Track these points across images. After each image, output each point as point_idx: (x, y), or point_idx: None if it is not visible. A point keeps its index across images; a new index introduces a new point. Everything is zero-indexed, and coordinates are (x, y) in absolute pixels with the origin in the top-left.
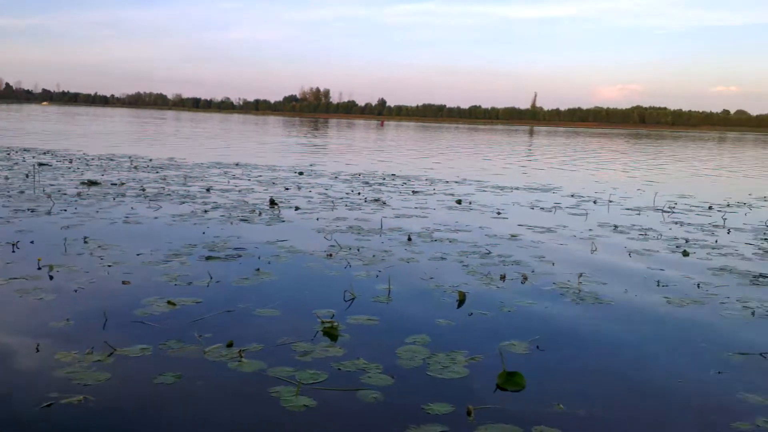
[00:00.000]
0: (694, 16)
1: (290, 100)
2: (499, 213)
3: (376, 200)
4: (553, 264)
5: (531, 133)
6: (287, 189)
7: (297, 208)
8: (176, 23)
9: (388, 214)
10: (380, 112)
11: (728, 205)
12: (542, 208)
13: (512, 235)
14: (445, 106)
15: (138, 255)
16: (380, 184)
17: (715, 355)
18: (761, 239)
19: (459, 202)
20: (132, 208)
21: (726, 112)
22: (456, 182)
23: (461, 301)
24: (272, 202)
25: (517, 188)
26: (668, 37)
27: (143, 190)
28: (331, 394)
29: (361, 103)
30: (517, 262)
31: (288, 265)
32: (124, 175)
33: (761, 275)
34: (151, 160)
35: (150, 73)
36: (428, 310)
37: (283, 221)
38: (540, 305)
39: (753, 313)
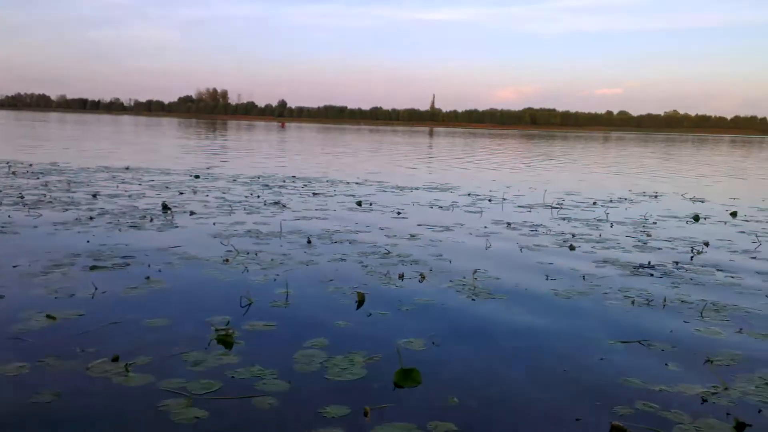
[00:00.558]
0: (581, 22)
1: (186, 101)
2: (399, 213)
3: (276, 203)
4: (450, 261)
5: (431, 134)
6: (182, 193)
7: (192, 213)
8: (60, 19)
9: (288, 216)
10: (281, 114)
11: (611, 201)
12: (441, 207)
13: (412, 235)
14: (346, 107)
15: (14, 267)
16: (280, 186)
17: (599, 342)
18: (640, 232)
19: (359, 203)
20: (9, 216)
21: (609, 113)
22: (357, 183)
23: (360, 302)
24: (165, 207)
25: (417, 188)
26: (556, 41)
27: (21, 197)
28: (225, 404)
29: (260, 104)
30: (415, 261)
31: (181, 272)
32: (1, 182)
33: (640, 266)
34: (31, 165)
35: (30, 72)
36: (327, 313)
37: (177, 227)
38: (437, 302)
39: (633, 302)
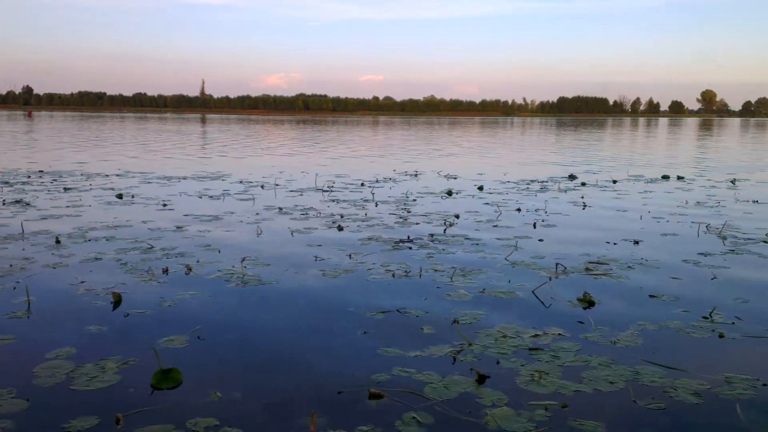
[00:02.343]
0: (343, 9)
1: None
2: (164, 205)
3: (18, 202)
4: (219, 251)
5: (203, 121)
6: None
7: None
8: None
9: (32, 216)
10: (27, 102)
11: (377, 181)
12: (211, 197)
13: (178, 227)
14: (105, 93)
15: None
16: (24, 183)
17: (361, 317)
18: (402, 209)
19: (120, 196)
20: None
21: (376, 98)
22: (118, 175)
23: (116, 303)
24: None
25: (185, 178)
26: (322, 29)
27: None
28: None
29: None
30: (181, 253)
31: None
32: None
33: (401, 241)
34: None
35: None
36: (76, 319)
37: None
38: (203, 295)
39: (393, 275)
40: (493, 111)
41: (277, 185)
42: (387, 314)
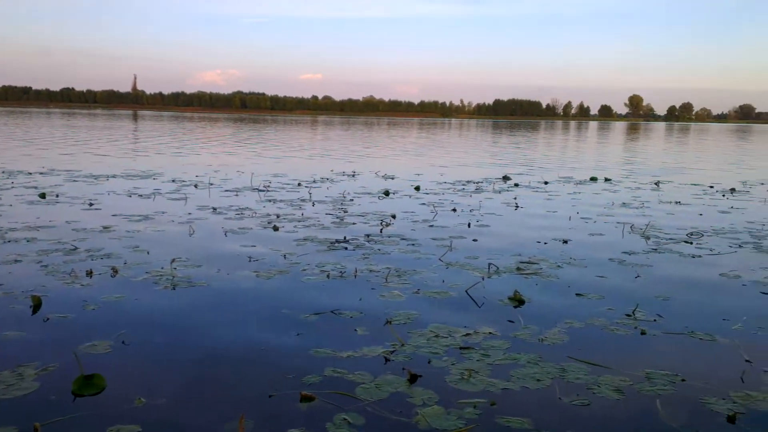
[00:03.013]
0: (279, 5)
1: None
2: (91, 204)
3: None
4: (148, 252)
5: (135, 117)
6: None
7: None
8: None
9: None
10: None
11: (314, 181)
12: (141, 196)
13: (105, 227)
14: (31, 88)
15: None
16: None
17: (295, 318)
18: (339, 209)
19: (43, 195)
20: None
21: (315, 97)
22: (42, 174)
23: (36, 307)
24: None
25: (114, 176)
26: (258, 26)
27: None
28: None
29: None
30: (108, 255)
31: None
32: None
33: (337, 241)
34: None
35: None
36: None
37: None
38: (130, 297)
39: (328, 276)
40: (431, 112)
41: (211, 184)
42: (321, 315)
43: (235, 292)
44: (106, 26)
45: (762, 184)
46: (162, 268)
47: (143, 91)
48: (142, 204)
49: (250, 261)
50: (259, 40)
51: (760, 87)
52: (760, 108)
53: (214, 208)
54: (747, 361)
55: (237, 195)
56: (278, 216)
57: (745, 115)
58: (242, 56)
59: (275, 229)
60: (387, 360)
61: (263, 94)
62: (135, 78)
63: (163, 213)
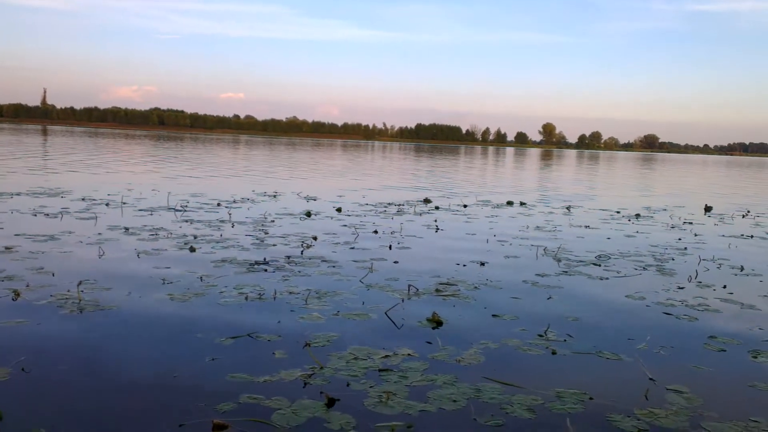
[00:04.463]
0: (199, 22)
1: None
2: None
3: None
4: (54, 274)
5: (45, 132)
6: None
7: None
8: None
9: None
10: None
11: (234, 201)
12: (47, 215)
13: (6, 248)
14: None
15: None
16: None
17: (210, 342)
18: (259, 230)
19: None
20: None
21: (237, 116)
22: None
23: None
24: None
25: (19, 194)
26: (178, 42)
27: None
28: None
29: None
30: (9, 277)
31: None
32: None
33: (256, 263)
34: None
35: None
36: None
37: None
38: (32, 322)
39: (246, 298)
40: (355, 134)
41: (124, 203)
42: (237, 339)
43: (147, 316)
44: (11, 37)
45: (664, 209)
46: (68, 291)
47: (53, 106)
48: (49, 223)
49: (164, 283)
50: (178, 56)
51: (662, 118)
52: (663, 138)
53: (127, 228)
54: (651, 379)
55: (152, 215)
56: (195, 237)
57: (649, 144)
58: (160, 72)
59: (192, 250)
60: (305, 384)
61: (182, 111)
62: (45, 92)
63: (71, 233)
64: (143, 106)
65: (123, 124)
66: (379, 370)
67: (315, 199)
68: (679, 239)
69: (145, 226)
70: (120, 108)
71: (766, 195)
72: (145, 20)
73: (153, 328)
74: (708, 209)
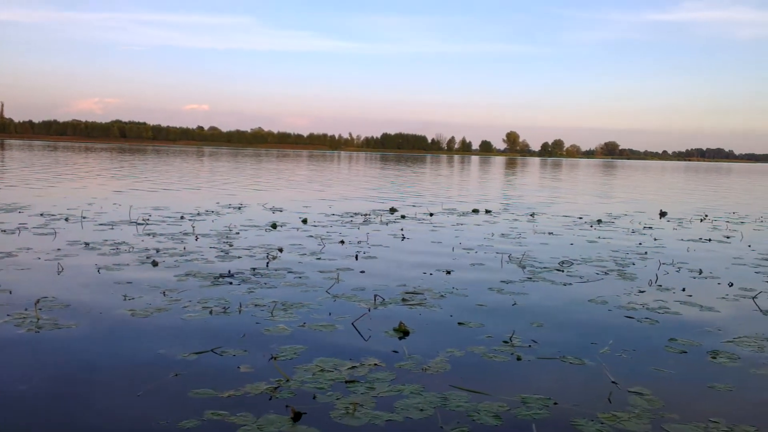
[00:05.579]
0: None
1: None
2: None
3: None
4: (11, 292)
5: (2, 146)
6: None
7: None
8: None
9: None
10: None
11: (198, 214)
12: (4, 231)
13: None
14: None
15: None
16: None
17: (173, 358)
18: (224, 242)
19: None
20: None
21: (201, 128)
22: None
23: None
24: None
25: None
26: (140, 54)
27: None
28: None
29: None
30: None
31: None
32: None
33: (221, 275)
34: None
35: None
36: None
37: None
38: None
39: (211, 312)
40: (321, 145)
41: (84, 218)
42: (201, 354)
43: (108, 333)
44: None
45: (625, 215)
46: (26, 309)
47: (11, 119)
48: (5, 240)
49: (125, 299)
50: (141, 68)
51: (623, 125)
52: (623, 145)
53: (87, 243)
54: (613, 382)
55: (113, 229)
56: (158, 251)
57: (609, 151)
58: (122, 85)
59: (154, 264)
60: (271, 397)
61: (144, 123)
62: (2, 105)
63: (29, 249)
64: (104, 118)
65: (83, 137)
66: (346, 382)
67: (281, 211)
68: (640, 244)
69: (106, 240)
70: (80, 121)
71: (723, 199)
72: (107, 32)
73: (113, 346)
74: (663, 214)
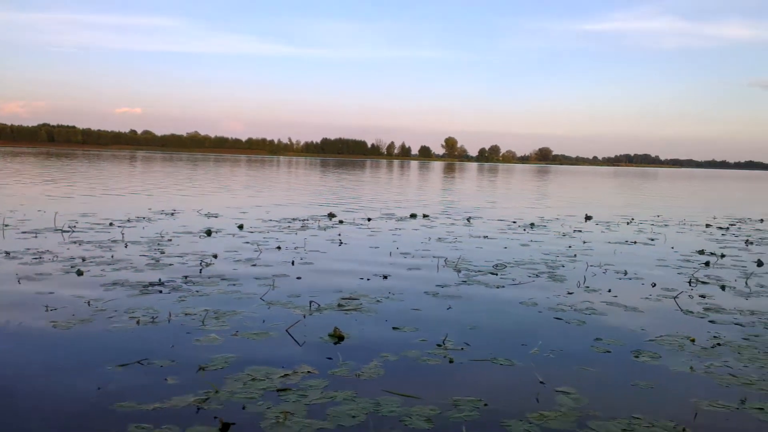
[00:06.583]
0: (92, 34)
1: None
2: None
3: None
4: None
5: None
6: None
7: None
8: None
9: None
10: None
11: (129, 221)
12: None
13: None
14: None
15: None
16: None
17: (96, 371)
18: (155, 249)
19: None
20: None
21: (134, 132)
22: None
23: None
24: None
25: None
26: (70, 56)
27: None
28: None
29: None
30: None
31: None
32: None
33: (150, 284)
34: None
35: None
36: None
37: None
38: None
39: (138, 322)
40: (259, 149)
41: (6, 225)
42: (127, 366)
43: (27, 346)
44: None
45: (557, 218)
46: None
47: None
48: None
49: (47, 310)
50: (71, 70)
51: (556, 132)
52: (556, 150)
53: (8, 252)
54: (541, 382)
55: (36, 237)
56: (84, 259)
57: (543, 156)
58: (49, 87)
59: (79, 273)
60: (198, 409)
61: (73, 127)
62: None
63: None
64: (31, 122)
65: (8, 141)
66: (278, 390)
67: (216, 216)
68: (570, 246)
69: (29, 249)
70: (6, 125)
71: (648, 203)
72: (35, 33)
73: (33, 359)
74: (588, 218)
